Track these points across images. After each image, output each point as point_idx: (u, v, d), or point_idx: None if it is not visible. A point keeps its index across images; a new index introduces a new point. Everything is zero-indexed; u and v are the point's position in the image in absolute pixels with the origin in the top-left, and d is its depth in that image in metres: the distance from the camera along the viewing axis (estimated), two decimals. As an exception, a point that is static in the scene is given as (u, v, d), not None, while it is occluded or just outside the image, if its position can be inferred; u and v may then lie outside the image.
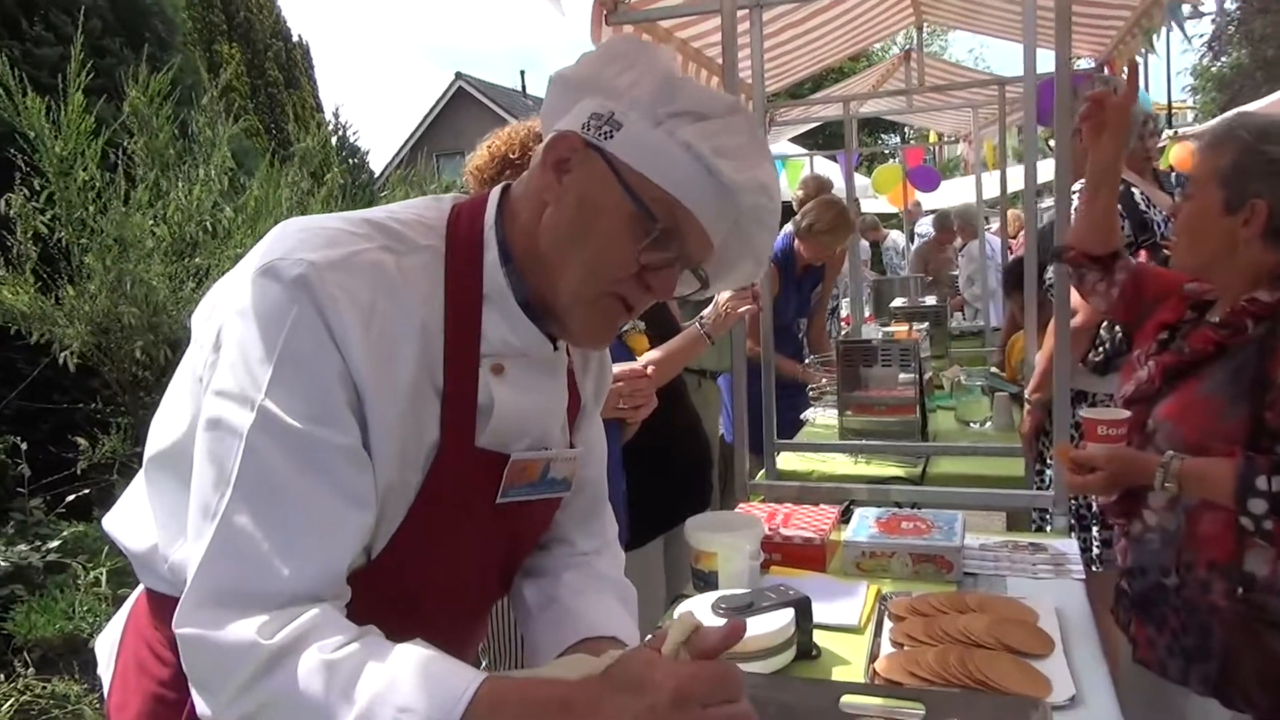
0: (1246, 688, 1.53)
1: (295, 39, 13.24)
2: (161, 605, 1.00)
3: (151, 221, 3.27)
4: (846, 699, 1.34)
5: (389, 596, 0.97)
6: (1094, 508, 2.64)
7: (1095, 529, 2.64)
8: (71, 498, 3.29)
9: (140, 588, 1.10)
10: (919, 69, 5.55)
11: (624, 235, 0.93)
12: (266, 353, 0.85)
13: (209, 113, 3.68)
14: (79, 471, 3.29)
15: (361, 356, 0.87)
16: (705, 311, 2.29)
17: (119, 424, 3.41)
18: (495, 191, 1.03)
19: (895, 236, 10.39)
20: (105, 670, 1.14)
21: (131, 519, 1.06)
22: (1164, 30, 3.49)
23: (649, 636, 0.99)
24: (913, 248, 9.04)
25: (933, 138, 10.49)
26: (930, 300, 5.44)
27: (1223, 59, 21.02)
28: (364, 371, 0.87)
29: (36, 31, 4.24)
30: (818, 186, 5.05)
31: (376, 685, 0.79)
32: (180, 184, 3.40)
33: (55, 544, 3.06)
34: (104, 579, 3.02)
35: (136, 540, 1.04)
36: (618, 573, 1.25)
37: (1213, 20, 17.52)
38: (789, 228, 3.96)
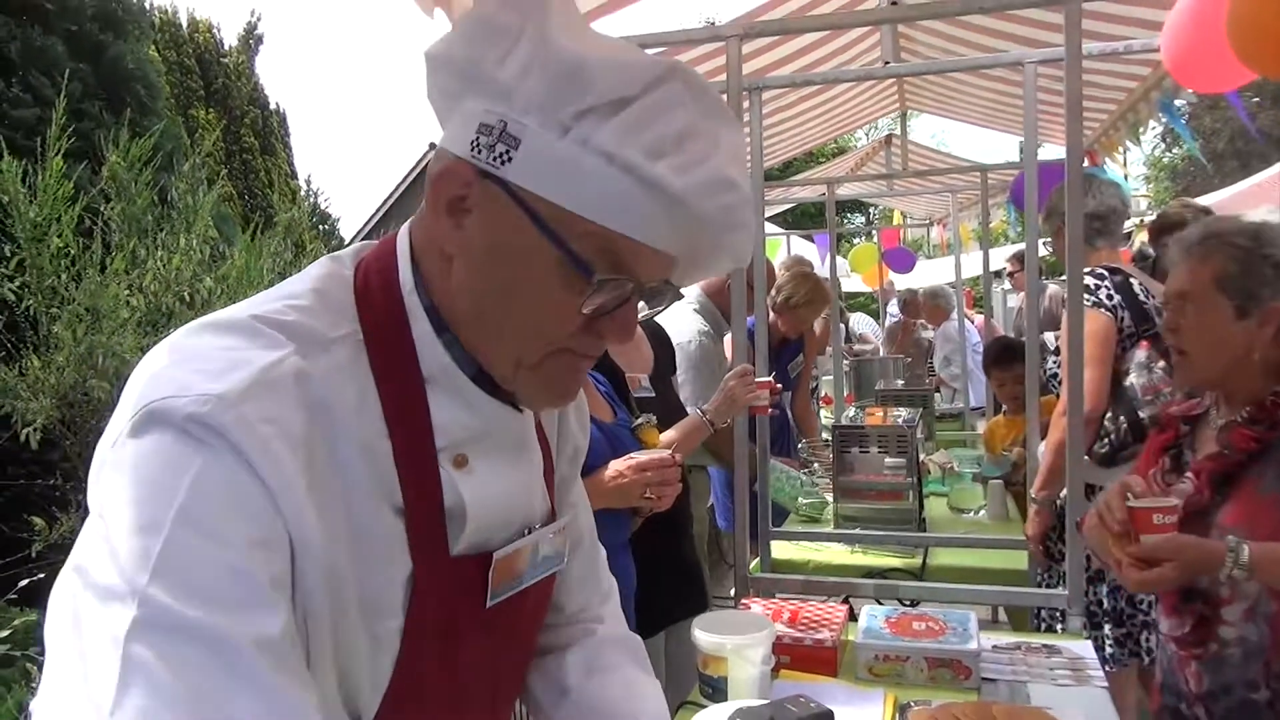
0: None
1: (273, 106, 13.25)
2: None
3: (127, 291, 3.14)
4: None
5: None
6: (1104, 604, 2.57)
7: (1108, 627, 2.57)
8: (25, 582, 2.97)
9: None
10: (902, 153, 5.65)
11: (555, 287, 0.72)
12: (152, 524, 0.61)
13: (190, 180, 3.60)
14: (34, 554, 3.03)
15: (306, 507, 0.66)
16: (712, 400, 2.22)
17: (79, 501, 3.21)
18: (402, 239, 0.80)
19: (857, 318, 10.44)
20: None
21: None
22: (1149, 124, 3.58)
23: None
24: (884, 328, 9.10)
25: (897, 219, 10.64)
26: (899, 383, 5.42)
27: (1174, 150, 21.85)
28: (308, 524, 0.66)
29: (14, 93, 4.16)
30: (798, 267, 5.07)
31: None
32: (159, 252, 3.29)
33: (4, 634, 2.80)
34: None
35: None
36: (621, 626, 1.09)
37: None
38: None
